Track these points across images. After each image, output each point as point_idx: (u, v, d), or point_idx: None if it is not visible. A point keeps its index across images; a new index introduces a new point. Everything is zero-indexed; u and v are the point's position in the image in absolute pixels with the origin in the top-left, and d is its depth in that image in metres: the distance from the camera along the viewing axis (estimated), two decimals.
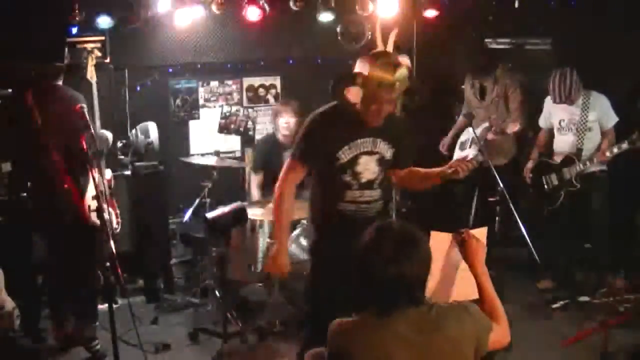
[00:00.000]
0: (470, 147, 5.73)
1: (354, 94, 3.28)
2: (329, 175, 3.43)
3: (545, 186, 5.40)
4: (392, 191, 5.77)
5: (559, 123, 5.28)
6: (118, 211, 4.68)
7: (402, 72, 3.25)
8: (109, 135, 4.70)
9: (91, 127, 3.93)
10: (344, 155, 3.38)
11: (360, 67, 3.31)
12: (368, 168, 3.42)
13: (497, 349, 2.46)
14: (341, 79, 3.37)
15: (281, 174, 3.52)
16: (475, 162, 3.49)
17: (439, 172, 3.43)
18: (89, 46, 5.21)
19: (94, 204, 4.23)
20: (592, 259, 5.52)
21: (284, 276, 3.54)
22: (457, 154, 5.84)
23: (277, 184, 3.52)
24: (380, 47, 3.37)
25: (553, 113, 5.35)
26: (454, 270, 2.88)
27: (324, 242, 3.53)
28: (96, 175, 4.28)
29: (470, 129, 5.70)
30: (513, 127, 5.51)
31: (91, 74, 4.73)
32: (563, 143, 5.29)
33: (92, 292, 4.65)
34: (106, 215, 3.74)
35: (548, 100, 5.35)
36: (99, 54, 4.99)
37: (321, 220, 3.54)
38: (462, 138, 5.80)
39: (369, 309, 2.31)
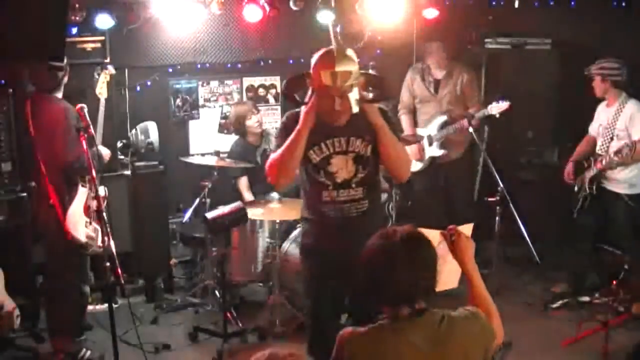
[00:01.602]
0: (431, 145, 5.76)
1: (306, 95, 3.30)
2: (306, 175, 3.43)
3: (575, 188, 5.33)
4: (393, 191, 5.82)
5: (598, 128, 5.21)
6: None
7: (345, 62, 3.19)
8: (106, 152, 4.62)
9: (91, 129, 3.91)
10: (315, 155, 3.36)
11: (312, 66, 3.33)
12: (342, 168, 3.36)
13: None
14: (290, 81, 3.35)
15: (271, 159, 3.43)
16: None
17: None
18: (88, 45, 5.23)
19: (82, 220, 4.23)
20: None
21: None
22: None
23: (272, 159, 3.39)
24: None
25: (598, 117, 5.24)
26: (440, 263, 2.91)
27: (310, 242, 3.52)
28: (86, 187, 4.32)
29: (426, 128, 5.76)
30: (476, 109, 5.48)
31: (101, 91, 4.66)
32: (597, 147, 5.22)
33: (73, 309, 4.51)
34: (105, 216, 3.73)
35: (599, 106, 5.26)
36: (113, 72, 4.91)
37: (307, 220, 3.54)
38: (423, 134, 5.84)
39: (380, 319, 2.29)
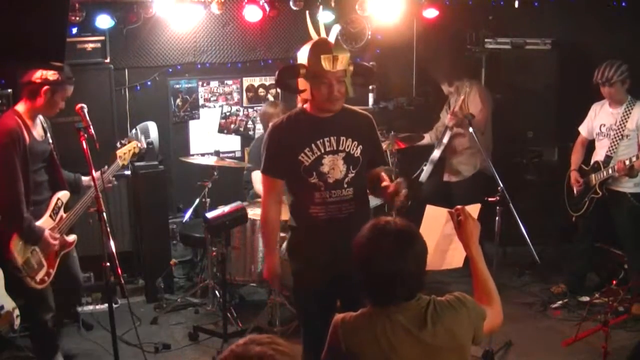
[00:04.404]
0: (426, 165, 5.89)
1: (300, 86, 3.34)
2: (296, 180, 3.41)
3: (575, 191, 5.32)
4: None
5: (600, 128, 5.19)
6: (52, 271, 4.10)
7: (340, 47, 3.33)
8: (85, 179, 4.40)
9: (91, 127, 3.90)
10: (306, 157, 3.36)
11: (300, 58, 3.37)
12: (334, 168, 3.37)
13: (493, 331, 2.52)
14: (283, 71, 3.39)
15: (262, 191, 3.59)
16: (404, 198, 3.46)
17: (388, 193, 3.38)
18: (89, 45, 5.20)
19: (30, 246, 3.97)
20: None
21: (276, 286, 3.51)
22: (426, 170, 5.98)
23: (262, 201, 3.60)
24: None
25: (597, 117, 5.22)
26: (446, 241, 2.97)
27: (300, 246, 3.51)
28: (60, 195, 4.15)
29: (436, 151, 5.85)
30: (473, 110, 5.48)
31: (123, 157, 4.48)
32: (598, 149, 5.20)
33: (36, 332, 4.27)
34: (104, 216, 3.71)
35: (594, 106, 5.27)
36: (145, 146, 4.86)
37: (296, 224, 3.53)
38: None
39: (369, 305, 2.37)
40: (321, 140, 3.36)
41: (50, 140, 4.16)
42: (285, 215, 3.65)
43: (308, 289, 3.47)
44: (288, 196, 3.57)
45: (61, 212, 4.19)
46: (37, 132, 4.06)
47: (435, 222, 2.96)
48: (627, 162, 4.84)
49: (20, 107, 4.00)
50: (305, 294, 3.52)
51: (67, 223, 4.19)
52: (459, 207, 2.67)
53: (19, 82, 4.07)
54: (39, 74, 3.92)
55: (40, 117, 4.11)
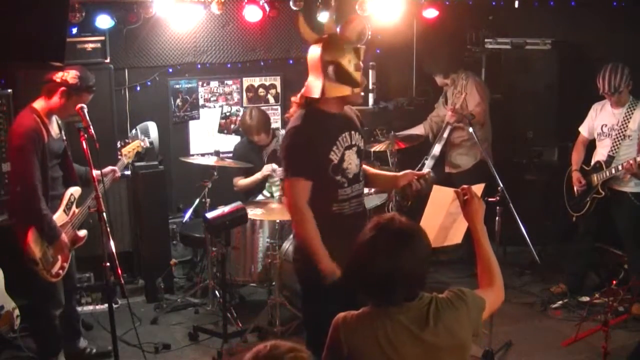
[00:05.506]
0: (428, 160, 5.91)
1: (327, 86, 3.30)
2: (321, 179, 3.31)
3: (576, 190, 5.30)
4: (393, 191, 5.83)
5: (601, 128, 5.18)
6: (66, 264, 4.13)
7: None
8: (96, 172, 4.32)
9: (91, 127, 3.90)
10: (335, 155, 3.33)
11: (327, 56, 3.32)
12: (351, 162, 3.38)
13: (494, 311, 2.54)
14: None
15: (290, 198, 3.37)
16: (430, 176, 3.45)
17: (398, 182, 3.45)
18: (89, 45, 5.20)
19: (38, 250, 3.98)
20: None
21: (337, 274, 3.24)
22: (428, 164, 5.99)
23: (293, 210, 3.36)
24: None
25: (598, 117, 5.21)
26: (450, 220, 3.04)
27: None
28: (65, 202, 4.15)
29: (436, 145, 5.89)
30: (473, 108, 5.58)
31: (128, 155, 4.56)
32: (599, 149, 5.20)
33: (42, 329, 4.27)
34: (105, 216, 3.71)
35: (594, 106, 5.27)
36: (148, 145, 4.90)
37: (317, 224, 3.39)
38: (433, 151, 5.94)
39: (369, 304, 2.36)
40: (342, 136, 3.35)
41: (64, 137, 4.19)
42: (284, 215, 3.64)
43: (330, 289, 3.27)
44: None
45: (74, 207, 4.22)
46: (53, 129, 4.10)
47: (441, 202, 3.04)
48: (632, 161, 4.79)
49: (38, 105, 4.03)
50: (325, 295, 3.30)
51: (79, 218, 4.23)
52: (464, 186, 2.71)
53: (42, 78, 4.06)
54: (60, 74, 3.94)
55: None
